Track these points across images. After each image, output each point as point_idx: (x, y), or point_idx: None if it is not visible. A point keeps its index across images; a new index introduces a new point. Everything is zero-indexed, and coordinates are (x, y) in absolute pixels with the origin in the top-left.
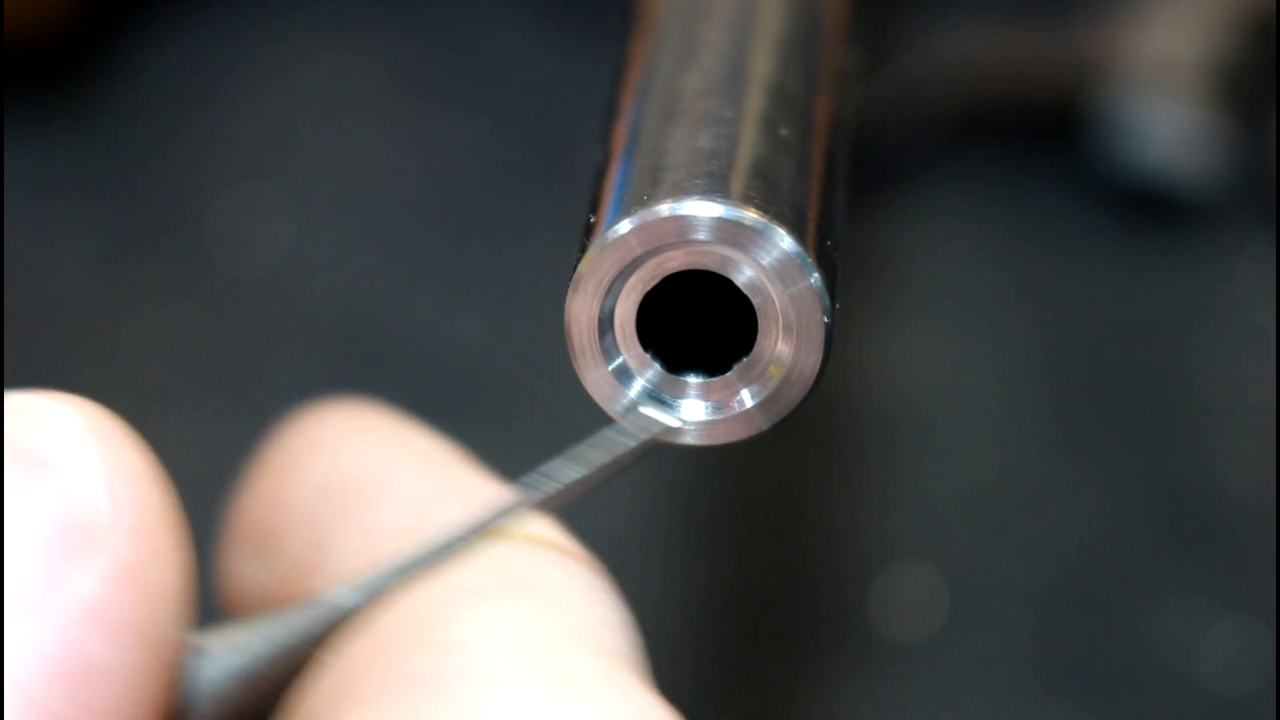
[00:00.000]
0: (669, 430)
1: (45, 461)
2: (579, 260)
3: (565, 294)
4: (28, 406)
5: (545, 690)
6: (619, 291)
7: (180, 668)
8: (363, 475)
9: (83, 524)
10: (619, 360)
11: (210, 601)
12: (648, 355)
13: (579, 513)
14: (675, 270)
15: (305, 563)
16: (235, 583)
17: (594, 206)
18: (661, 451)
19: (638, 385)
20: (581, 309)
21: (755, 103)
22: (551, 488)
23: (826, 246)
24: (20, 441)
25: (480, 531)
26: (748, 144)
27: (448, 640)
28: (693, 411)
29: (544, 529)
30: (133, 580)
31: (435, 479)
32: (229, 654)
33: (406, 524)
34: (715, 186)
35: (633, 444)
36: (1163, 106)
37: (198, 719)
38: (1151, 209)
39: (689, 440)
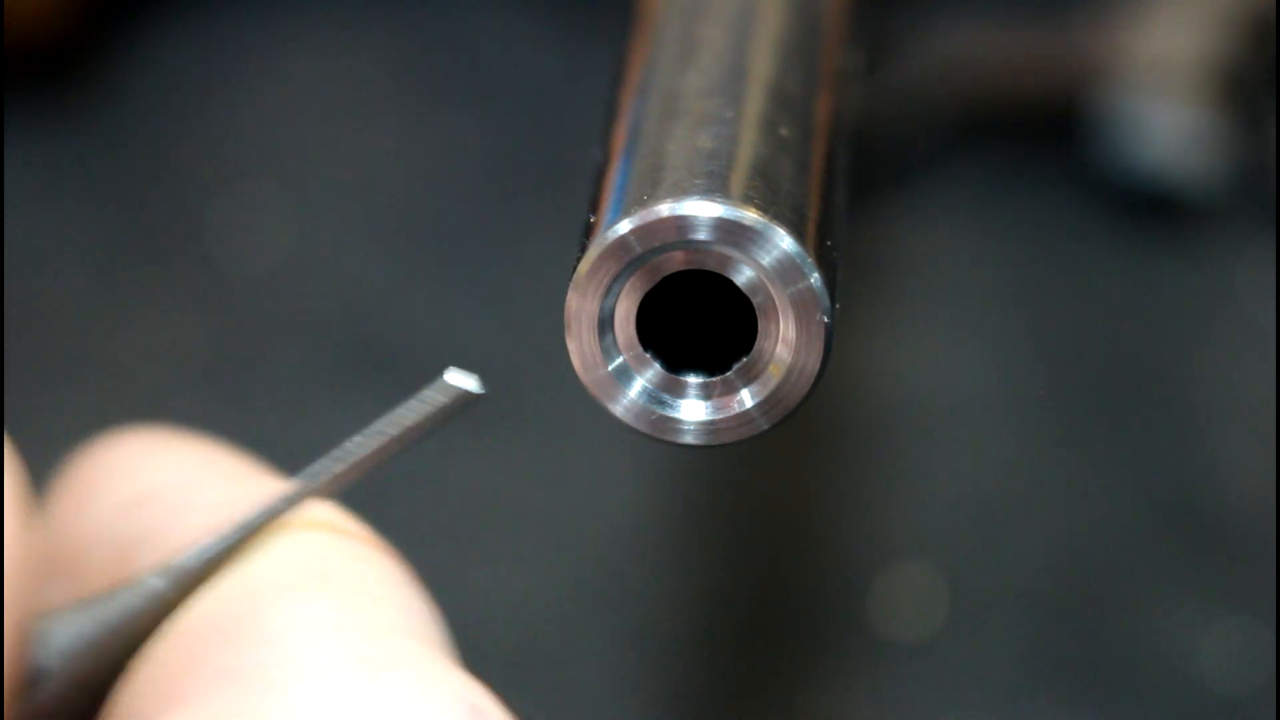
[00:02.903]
0: (467, 395)
1: None
2: (579, 260)
3: (565, 294)
4: None
5: (364, 675)
6: (619, 291)
7: (25, 645)
8: (164, 489)
9: None
10: (619, 360)
11: None
12: (648, 355)
13: (579, 513)
14: (675, 270)
15: (112, 579)
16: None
17: (594, 206)
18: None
19: (638, 385)
20: (581, 309)
21: (755, 103)
22: (345, 466)
23: (826, 246)
24: None
25: (279, 512)
26: (748, 144)
27: (263, 634)
28: (693, 411)
29: (342, 520)
30: None
31: (236, 488)
32: (50, 637)
33: (209, 531)
34: (715, 186)
35: (427, 408)
36: (1163, 106)
37: (28, 702)
38: (1151, 209)
39: (689, 440)
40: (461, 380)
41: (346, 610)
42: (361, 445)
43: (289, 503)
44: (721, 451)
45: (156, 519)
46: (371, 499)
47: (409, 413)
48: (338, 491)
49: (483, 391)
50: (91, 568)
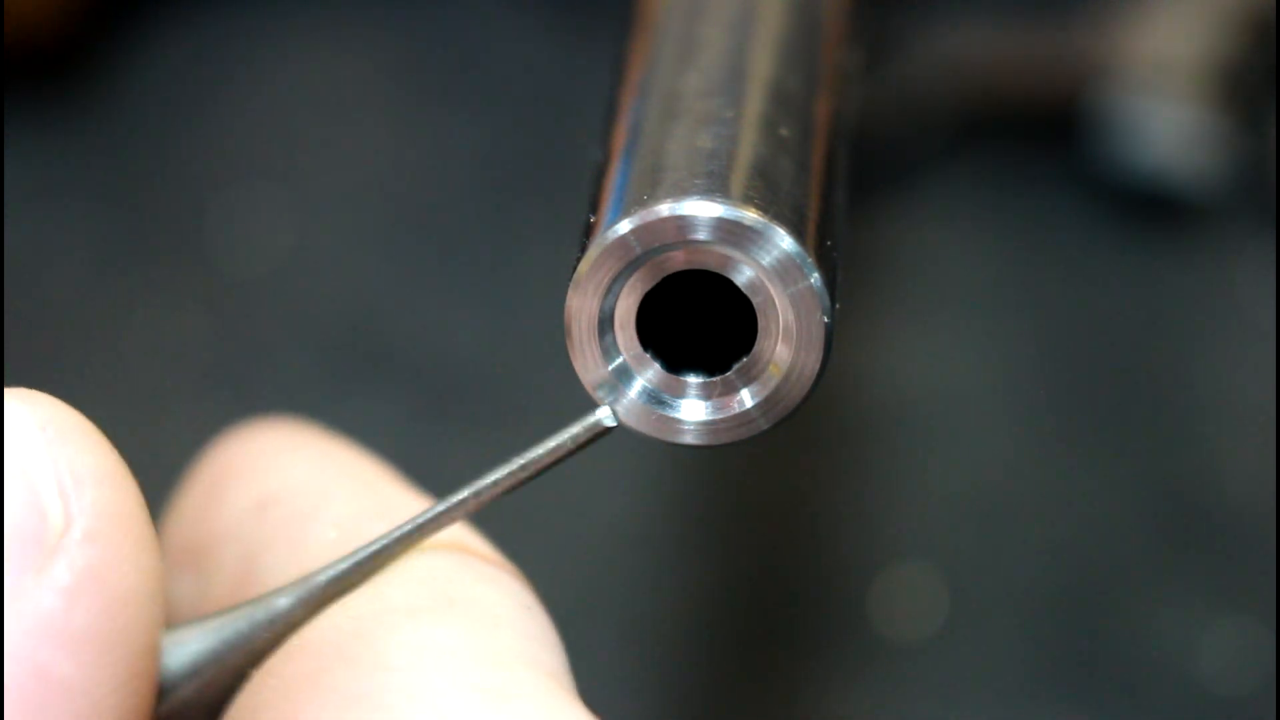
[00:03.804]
0: (600, 428)
1: None
2: (579, 260)
3: (565, 294)
4: None
5: (480, 705)
6: (619, 291)
7: (152, 670)
8: (295, 492)
9: (35, 533)
10: (619, 360)
11: None
12: (648, 355)
13: (579, 514)
14: (675, 270)
15: (238, 577)
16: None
17: (594, 206)
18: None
19: (638, 385)
20: (581, 309)
21: (755, 103)
22: (481, 494)
23: (826, 246)
24: None
25: (412, 538)
26: (748, 144)
27: (383, 658)
28: (693, 411)
29: (472, 540)
30: (92, 588)
31: (367, 496)
32: (178, 652)
33: (338, 540)
34: (715, 186)
35: (564, 441)
36: (1163, 106)
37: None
38: (1151, 209)
39: (689, 440)
40: (599, 414)
41: (469, 636)
42: (500, 476)
43: (420, 530)
44: (721, 451)
45: (285, 523)
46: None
47: (548, 447)
48: (469, 517)
49: (615, 424)
50: (218, 565)
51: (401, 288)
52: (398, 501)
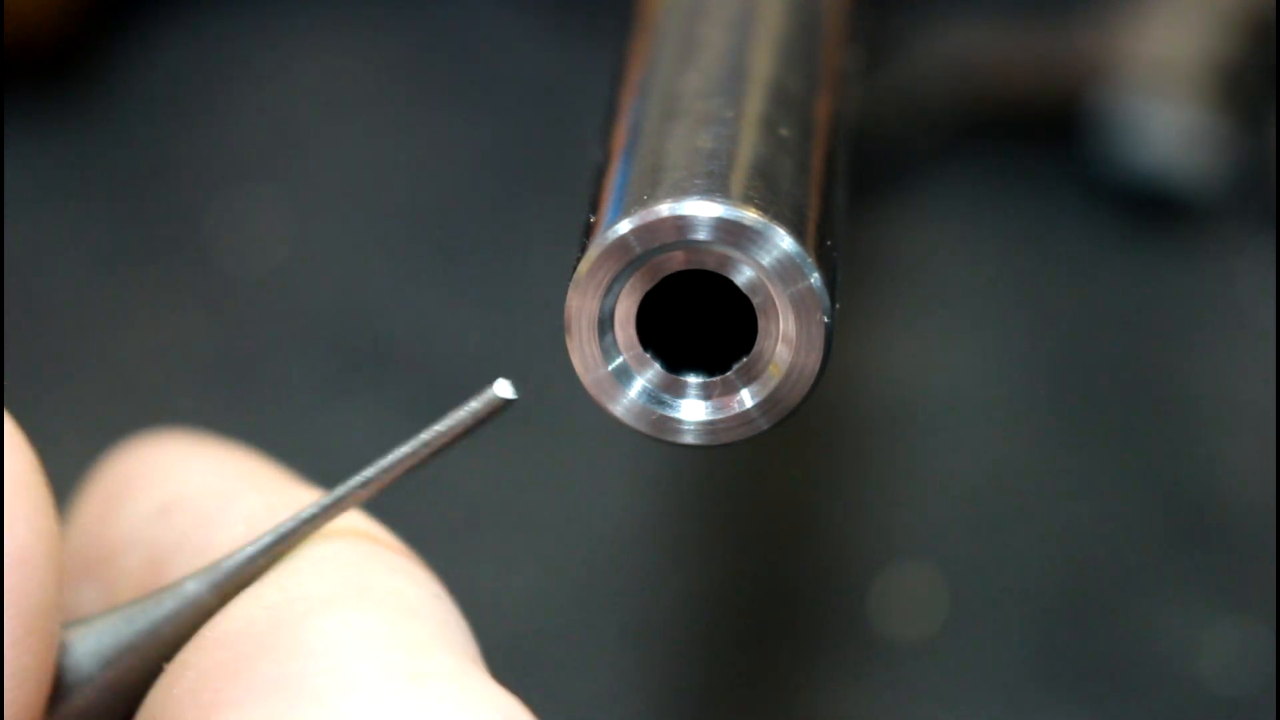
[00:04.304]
0: (500, 401)
1: None
2: (579, 260)
3: (565, 294)
4: None
5: (406, 689)
6: (619, 291)
7: (52, 632)
8: (198, 496)
9: None
10: (619, 360)
11: None
12: (648, 355)
13: (579, 513)
14: (675, 270)
15: (144, 583)
16: (68, 610)
17: (594, 206)
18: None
19: (638, 385)
20: (581, 309)
21: (755, 103)
22: (385, 474)
23: (826, 246)
24: None
25: (319, 520)
26: (748, 144)
27: (305, 646)
28: (693, 411)
29: (376, 530)
30: None
31: (270, 497)
32: (86, 642)
33: (247, 535)
34: (715, 186)
35: (464, 417)
36: (1163, 106)
37: (65, 707)
38: (1152, 209)
39: (689, 440)
40: (500, 389)
41: (386, 623)
42: (400, 456)
43: (327, 511)
44: (721, 451)
45: (190, 526)
46: (373, 498)
47: (448, 423)
48: (370, 500)
49: (515, 397)
50: (123, 572)
51: (401, 288)
52: (303, 499)
